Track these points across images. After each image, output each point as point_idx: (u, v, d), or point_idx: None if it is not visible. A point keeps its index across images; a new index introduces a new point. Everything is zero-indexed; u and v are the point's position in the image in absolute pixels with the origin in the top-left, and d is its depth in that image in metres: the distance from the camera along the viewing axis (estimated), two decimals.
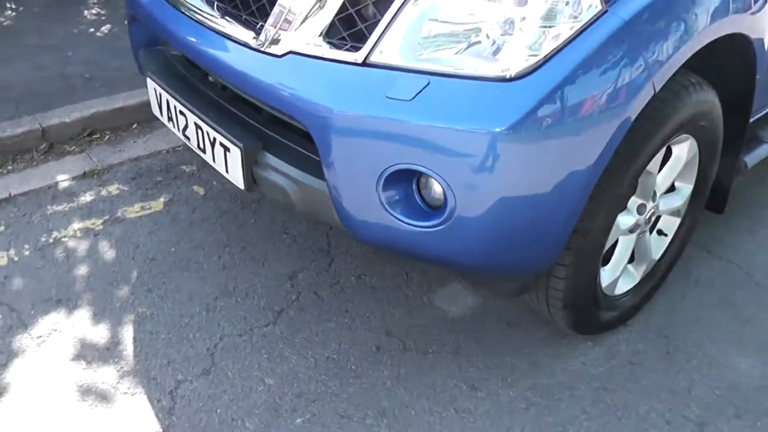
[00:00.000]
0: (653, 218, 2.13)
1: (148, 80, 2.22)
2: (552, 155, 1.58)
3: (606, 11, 1.55)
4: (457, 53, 1.57)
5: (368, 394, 2.00)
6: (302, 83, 1.71)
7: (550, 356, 2.15)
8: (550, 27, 1.52)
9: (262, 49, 1.78)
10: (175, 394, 1.99)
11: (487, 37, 1.55)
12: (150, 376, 2.04)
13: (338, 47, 1.69)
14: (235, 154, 1.89)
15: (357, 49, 1.65)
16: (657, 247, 2.28)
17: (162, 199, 2.75)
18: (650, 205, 2.06)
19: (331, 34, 1.70)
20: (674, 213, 2.26)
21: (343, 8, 1.68)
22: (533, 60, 1.52)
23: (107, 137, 3.08)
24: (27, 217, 2.64)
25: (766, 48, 2.08)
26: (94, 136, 3.06)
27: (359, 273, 2.42)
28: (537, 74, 1.52)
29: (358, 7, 1.67)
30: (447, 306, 2.31)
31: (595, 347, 2.20)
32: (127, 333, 2.18)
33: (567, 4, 1.52)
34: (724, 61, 2.11)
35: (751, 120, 2.44)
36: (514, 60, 1.52)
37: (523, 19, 1.52)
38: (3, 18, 3.92)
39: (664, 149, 1.94)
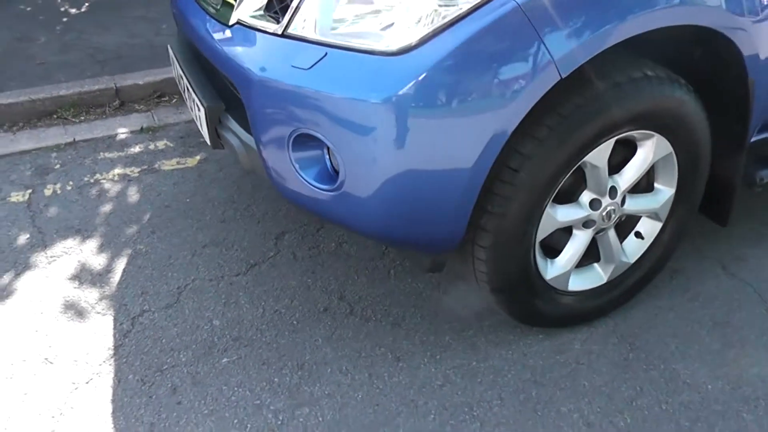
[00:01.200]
0: (616, 217, 2.03)
1: (169, 48, 2.47)
2: (436, 130, 1.59)
3: None
4: (353, 28, 1.63)
5: (296, 347, 2.10)
6: (238, 50, 1.86)
7: (492, 342, 2.13)
8: (440, 5, 1.54)
9: (218, 18, 1.95)
10: (136, 320, 2.22)
11: (379, 13, 1.60)
12: (123, 302, 2.29)
13: (276, 20, 1.81)
14: (202, 114, 2.07)
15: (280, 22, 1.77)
16: (632, 250, 2.17)
17: (198, 157, 3.02)
18: (606, 201, 1.97)
19: (269, 8, 1.83)
20: (652, 216, 2.14)
21: None
22: (418, 36, 1.55)
23: (174, 100, 3.41)
24: (81, 159, 3.02)
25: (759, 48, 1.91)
26: (163, 99, 3.40)
27: (341, 241, 2.52)
28: (421, 50, 1.55)
29: None
30: (410, 281, 2.34)
31: (546, 341, 2.14)
32: (120, 264, 2.45)
33: None
34: (710, 61, 1.98)
35: None
36: (401, 35, 1.56)
37: None
38: None
39: (610, 142, 1.85)
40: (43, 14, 4.19)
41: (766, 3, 1.86)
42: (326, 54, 1.65)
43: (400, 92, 1.55)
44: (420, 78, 1.54)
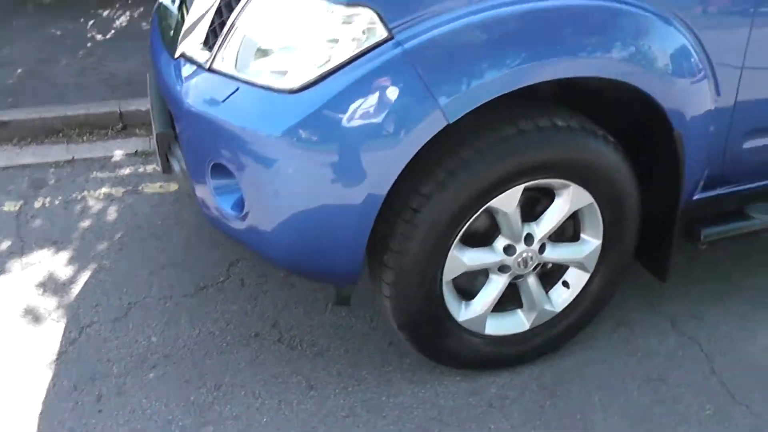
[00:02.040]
0: (534, 264, 2.06)
1: (148, 77, 2.65)
2: (325, 166, 1.69)
3: (391, 38, 1.63)
4: (263, 66, 1.76)
5: (220, 368, 2.20)
6: (176, 80, 2.00)
7: (407, 380, 2.18)
8: (333, 48, 1.65)
9: (169, 50, 2.11)
10: (84, 330, 2.37)
11: (284, 52, 1.72)
12: (76, 311, 2.45)
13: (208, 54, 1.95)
14: (154, 139, 2.23)
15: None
16: (558, 299, 2.19)
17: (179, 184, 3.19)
18: (521, 248, 2.01)
19: (206, 43, 1.97)
20: (579, 266, 2.16)
21: (212, 23, 1.95)
22: (313, 77, 1.66)
23: None
24: (75, 177, 3.23)
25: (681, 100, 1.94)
26: None
27: None
28: (314, 89, 1.66)
29: (218, 23, 1.92)
30: (344, 315, 2.42)
31: (462, 382, 2.17)
32: (84, 277, 2.61)
33: (352, 28, 1.63)
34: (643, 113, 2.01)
35: (733, 190, 2.27)
36: (299, 75, 1.68)
37: (309, 40, 1.67)
38: (146, 23, 4.71)
39: (517, 188, 1.89)
40: (71, 39, 4.50)
41: (683, 58, 1.88)
42: (238, 89, 1.77)
43: (291, 128, 1.67)
44: (310, 115, 1.65)
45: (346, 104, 1.64)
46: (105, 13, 5.01)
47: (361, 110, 1.64)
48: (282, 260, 1.88)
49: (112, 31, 4.66)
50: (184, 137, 1.94)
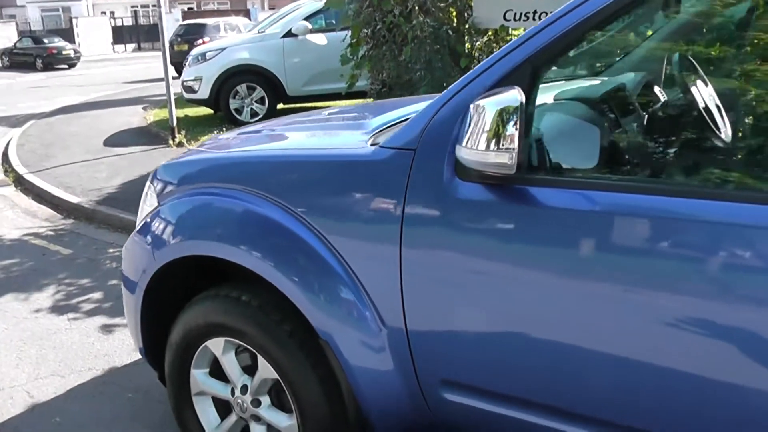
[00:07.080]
0: (249, 413, 2.41)
1: None
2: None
3: (159, 206, 2.61)
4: None
5: None
6: None
7: None
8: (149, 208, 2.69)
9: None
10: None
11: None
12: None
13: None
14: None
15: None
16: None
17: None
18: (237, 393, 2.42)
19: None
20: None
21: None
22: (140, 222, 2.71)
23: None
24: None
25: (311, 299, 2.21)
26: None
27: None
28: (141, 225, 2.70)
29: None
30: None
31: None
32: None
33: (151, 197, 2.66)
34: None
35: None
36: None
37: (142, 201, 2.77)
38: None
39: (218, 340, 2.39)
40: None
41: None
42: None
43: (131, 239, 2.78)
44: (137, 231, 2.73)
45: (147, 232, 2.62)
46: None
47: (150, 238, 2.60)
48: None
49: None
50: None
